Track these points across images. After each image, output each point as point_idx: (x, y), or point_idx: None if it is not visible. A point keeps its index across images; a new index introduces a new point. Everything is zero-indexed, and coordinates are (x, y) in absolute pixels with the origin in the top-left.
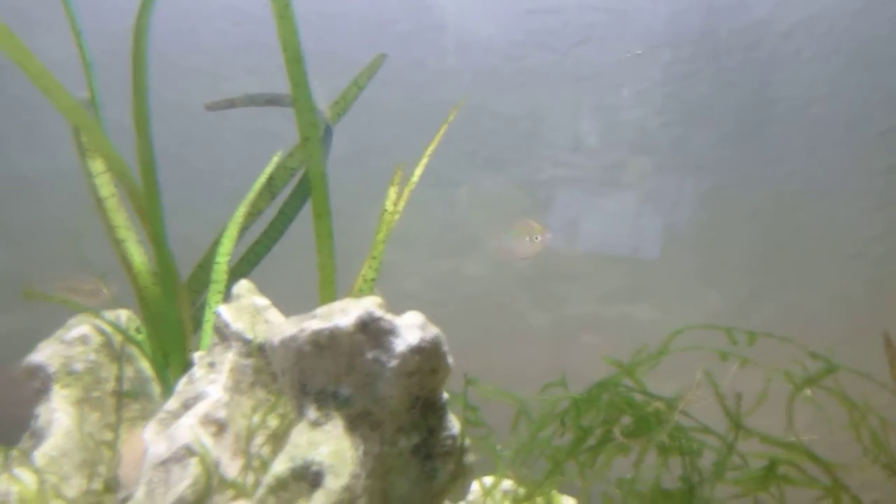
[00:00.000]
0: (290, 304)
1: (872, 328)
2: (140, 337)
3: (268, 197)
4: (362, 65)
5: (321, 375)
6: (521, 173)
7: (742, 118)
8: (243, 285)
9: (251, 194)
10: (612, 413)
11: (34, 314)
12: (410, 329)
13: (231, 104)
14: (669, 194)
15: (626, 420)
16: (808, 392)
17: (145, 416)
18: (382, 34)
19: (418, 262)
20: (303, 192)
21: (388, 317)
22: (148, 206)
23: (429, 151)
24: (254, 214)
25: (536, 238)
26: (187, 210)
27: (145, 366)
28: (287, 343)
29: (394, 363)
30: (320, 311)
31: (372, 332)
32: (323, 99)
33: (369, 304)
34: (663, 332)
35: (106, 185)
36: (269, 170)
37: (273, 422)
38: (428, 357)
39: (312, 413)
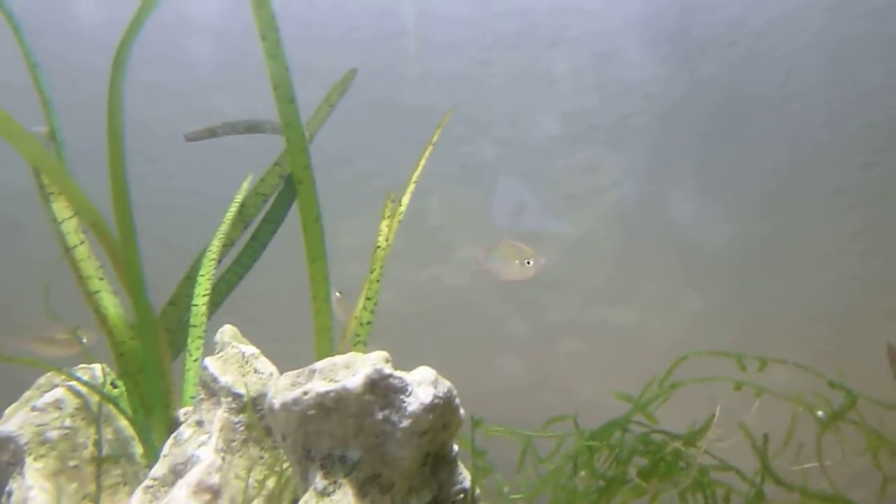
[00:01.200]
0: (258, 330)
1: (856, 326)
2: (117, 393)
3: (240, 226)
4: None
5: (327, 439)
6: (494, 180)
7: (719, 117)
8: (227, 331)
9: (223, 226)
10: (625, 452)
11: None
12: (422, 386)
13: (212, 133)
14: (646, 195)
15: (639, 458)
16: (819, 414)
17: (127, 482)
18: (346, 42)
19: (393, 274)
20: (275, 219)
21: (398, 374)
22: (125, 254)
23: (415, 178)
24: (227, 246)
25: (528, 262)
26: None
27: (124, 424)
28: (289, 406)
29: (405, 423)
30: (320, 366)
31: (381, 391)
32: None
33: (377, 361)
34: (645, 337)
35: (73, 233)
36: (240, 197)
37: (269, 482)
38: (440, 414)
39: (319, 481)
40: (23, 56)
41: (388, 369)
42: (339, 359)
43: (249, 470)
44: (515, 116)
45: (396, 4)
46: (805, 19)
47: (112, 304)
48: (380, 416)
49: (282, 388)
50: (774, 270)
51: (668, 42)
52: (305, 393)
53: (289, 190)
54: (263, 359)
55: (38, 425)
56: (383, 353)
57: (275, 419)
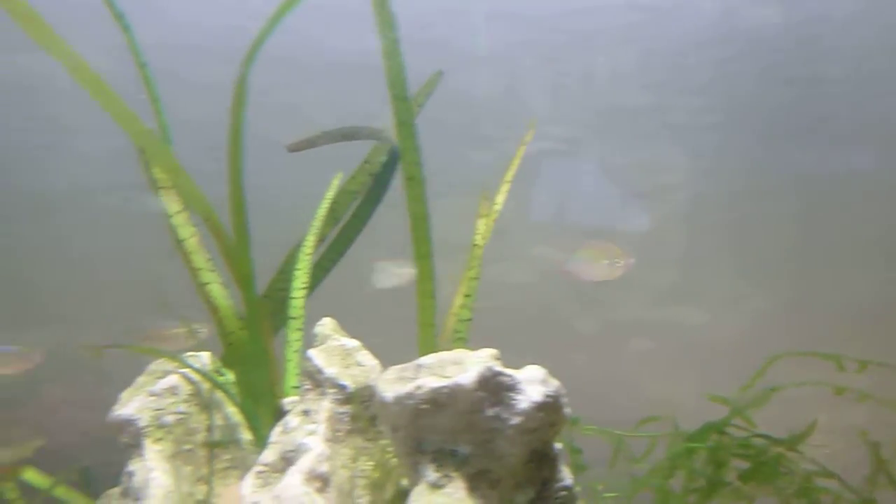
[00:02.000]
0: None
1: None
2: (222, 380)
3: (332, 223)
4: None
5: (439, 433)
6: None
7: (792, 116)
8: (327, 324)
9: (316, 221)
10: (722, 455)
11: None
12: (532, 384)
13: (311, 144)
14: (716, 194)
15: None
16: None
17: (236, 466)
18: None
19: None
20: (363, 216)
21: (509, 372)
22: (238, 248)
23: (509, 177)
24: (321, 241)
25: (618, 262)
26: None
27: (232, 411)
28: (403, 400)
29: (516, 420)
30: (426, 361)
31: (492, 388)
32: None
33: (488, 359)
34: (712, 336)
35: (184, 226)
36: (330, 194)
37: (371, 470)
38: (549, 412)
39: (431, 474)
40: (132, 54)
41: (498, 367)
42: (446, 355)
43: (354, 459)
44: (583, 114)
45: (467, 3)
46: (888, 15)
47: (222, 295)
48: (490, 412)
49: (390, 381)
50: (843, 269)
51: (742, 39)
52: (419, 387)
53: (378, 188)
54: (365, 351)
55: (156, 409)
56: (493, 351)
57: (386, 412)
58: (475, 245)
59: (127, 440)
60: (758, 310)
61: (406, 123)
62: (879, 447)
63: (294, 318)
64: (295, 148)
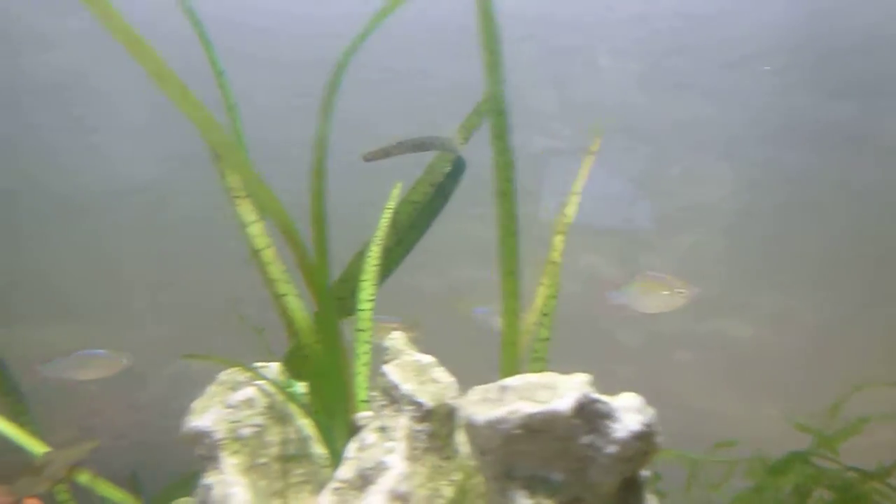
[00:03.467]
0: None
1: None
2: (292, 390)
3: (393, 233)
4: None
5: (531, 459)
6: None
7: (848, 130)
8: (399, 338)
9: (380, 231)
10: (806, 484)
11: None
12: (629, 413)
13: (386, 153)
14: (765, 206)
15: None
16: None
17: (308, 481)
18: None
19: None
20: (421, 226)
21: (605, 399)
22: (317, 261)
23: (578, 188)
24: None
25: (680, 292)
26: None
27: (303, 424)
28: (495, 424)
29: (612, 449)
30: (512, 383)
31: (588, 415)
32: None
33: (583, 385)
34: (759, 350)
35: (260, 236)
36: (391, 205)
37: (447, 490)
38: (645, 442)
39: (523, 500)
40: (209, 62)
41: (594, 394)
42: (534, 378)
43: (430, 479)
44: (631, 123)
45: (520, 8)
46: None
47: (298, 307)
48: (585, 440)
49: (475, 402)
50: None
51: (796, 51)
52: (512, 412)
53: (439, 199)
54: (440, 368)
55: (232, 422)
56: (586, 376)
57: (475, 434)
58: (552, 262)
59: (202, 452)
60: (806, 324)
61: (502, 138)
62: None
63: (362, 331)
64: (371, 157)
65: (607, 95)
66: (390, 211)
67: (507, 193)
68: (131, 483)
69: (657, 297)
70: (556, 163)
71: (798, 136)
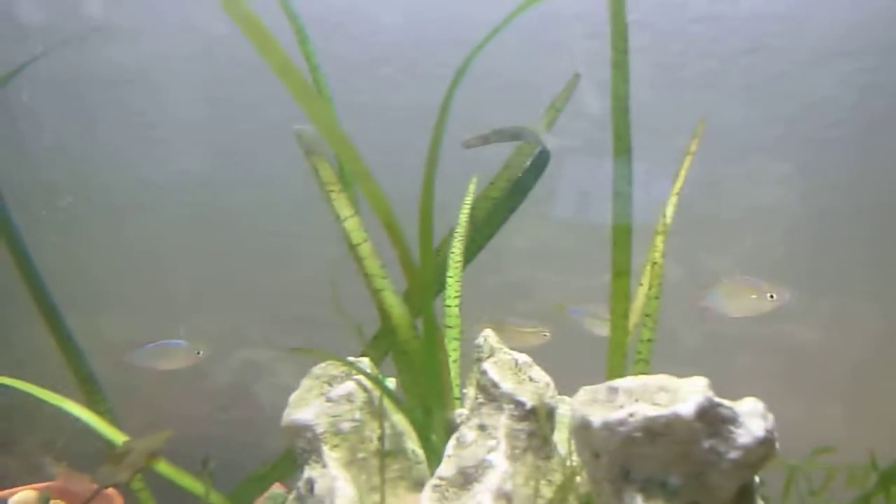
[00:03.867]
0: None
1: None
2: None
3: (470, 229)
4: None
5: (649, 463)
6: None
7: None
8: (490, 336)
9: (460, 228)
10: None
11: None
12: (752, 418)
13: (485, 141)
14: (832, 209)
15: None
16: None
17: (403, 477)
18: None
19: (561, 278)
20: (495, 222)
21: (728, 403)
22: (422, 259)
23: (676, 189)
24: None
25: (770, 296)
26: None
27: (397, 420)
28: (613, 427)
29: (734, 454)
30: (623, 384)
31: (710, 419)
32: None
33: (705, 388)
34: (825, 355)
35: (356, 230)
36: (469, 199)
37: (546, 490)
38: (768, 448)
39: (639, 503)
40: (305, 58)
41: (716, 398)
42: (650, 380)
43: (530, 478)
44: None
45: (587, 8)
46: None
47: (395, 302)
48: (706, 444)
49: (586, 403)
50: None
51: (876, 52)
52: (631, 415)
53: (515, 195)
54: (537, 367)
55: (333, 416)
56: (705, 380)
57: (589, 437)
58: (654, 263)
59: (303, 445)
60: (876, 329)
61: (623, 138)
62: None
63: (451, 328)
64: (470, 144)
65: (675, 95)
66: (468, 206)
67: (623, 194)
68: (203, 472)
69: (745, 301)
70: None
71: (880, 140)
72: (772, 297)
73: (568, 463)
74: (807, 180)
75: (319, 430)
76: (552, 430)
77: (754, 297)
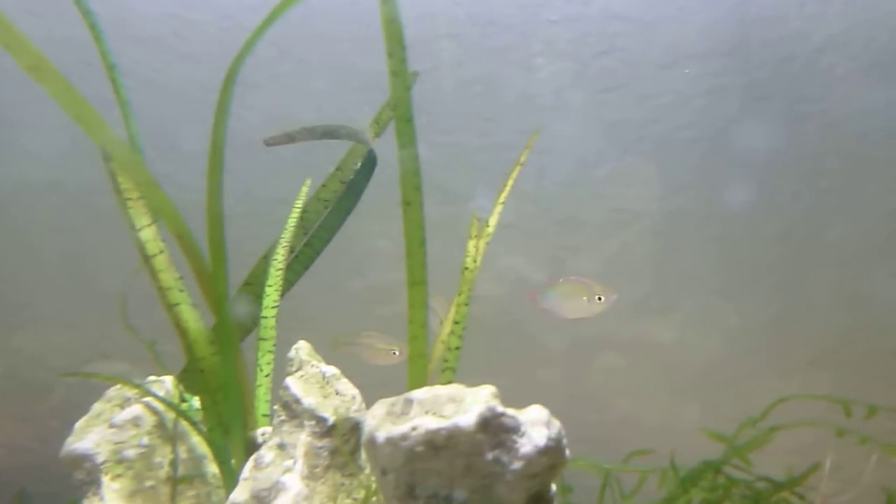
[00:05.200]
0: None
1: None
2: (185, 408)
3: (301, 233)
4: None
5: (434, 478)
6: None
7: (772, 134)
8: (303, 348)
9: (286, 233)
10: (714, 495)
11: None
12: (535, 427)
13: (290, 139)
14: (690, 210)
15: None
16: None
17: (202, 503)
18: None
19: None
20: (331, 226)
21: (511, 412)
22: (214, 270)
23: (502, 198)
24: (291, 253)
25: (598, 298)
26: None
27: (197, 442)
28: (396, 441)
29: (517, 465)
30: (419, 396)
31: (493, 430)
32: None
33: (488, 398)
34: (683, 353)
35: (153, 241)
36: (300, 202)
37: None
38: (552, 456)
39: None
40: (100, 56)
41: (500, 407)
42: (441, 390)
43: (332, 498)
44: (560, 125)
45: (442, 7)
46: (867, 37)
47: (192, 318)
48: (490, 456)
49: (379, 417)
50: (817, 288)
51: (724, 55)
52: (414, 428)
53: (349, 198)
54: (345, 380)
55: (116, 443)
56: (492, 388)
57: (375, 452)
58: (466, 269)
59: (82, 477)
60: (732, 328)
61: (406, 146)
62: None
63: (265, 340)
64: (273, 142)
65: (539, 95)
66: (298, 210)
67: (413, 203)
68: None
69: (577, 303)
70: (485, 161)
71: (731, 141)
72: (600, 299)
73: (369, 481)
74: (663, 182)
75: (99, 459)
76: (358, 445)
77: (585, 298)
